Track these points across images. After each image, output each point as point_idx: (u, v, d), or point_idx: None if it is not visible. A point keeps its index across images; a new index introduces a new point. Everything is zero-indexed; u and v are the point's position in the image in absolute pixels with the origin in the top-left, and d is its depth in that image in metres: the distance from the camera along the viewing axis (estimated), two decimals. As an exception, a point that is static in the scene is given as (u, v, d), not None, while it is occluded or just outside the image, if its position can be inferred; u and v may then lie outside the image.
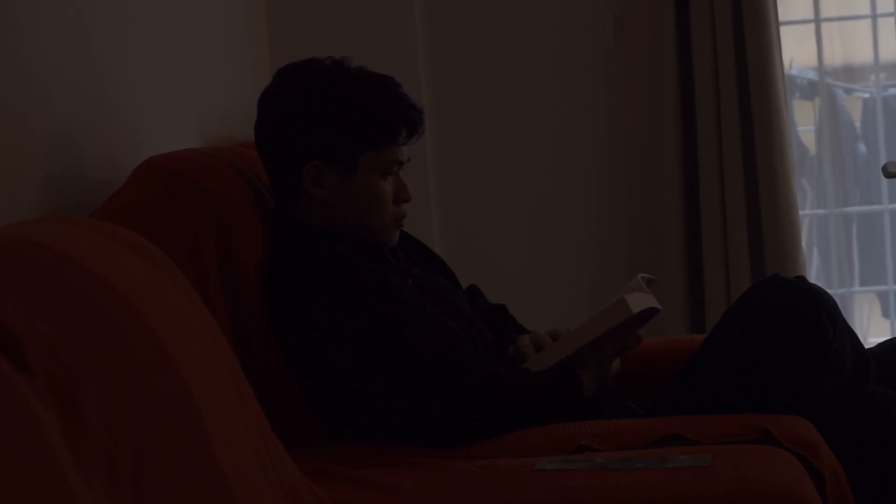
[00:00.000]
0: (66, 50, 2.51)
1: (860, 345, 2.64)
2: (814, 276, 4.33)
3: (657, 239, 4.01)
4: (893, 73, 4.48)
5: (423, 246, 2.90)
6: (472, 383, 2.46)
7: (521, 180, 4.15)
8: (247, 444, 1.87)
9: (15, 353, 1.41)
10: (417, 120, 2.67)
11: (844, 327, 2.59)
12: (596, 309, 2.68)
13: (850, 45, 4.37)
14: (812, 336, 2.52)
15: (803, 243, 4.03)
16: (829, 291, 2.77)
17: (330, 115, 2.62)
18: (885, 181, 4.35)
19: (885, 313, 4.56)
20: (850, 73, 4.47)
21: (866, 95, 4.49)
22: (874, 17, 4.34)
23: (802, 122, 4.41)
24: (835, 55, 4.36)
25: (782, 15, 4.06)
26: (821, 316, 2.53)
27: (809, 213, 4.36)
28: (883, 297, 4.56)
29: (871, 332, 4.53)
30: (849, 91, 4.49)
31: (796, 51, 4.38)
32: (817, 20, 4.28)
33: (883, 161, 4.25)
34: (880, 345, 2.84)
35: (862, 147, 4.47)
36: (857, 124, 4.50)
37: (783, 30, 4.03)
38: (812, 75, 4.40)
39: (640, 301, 2.57)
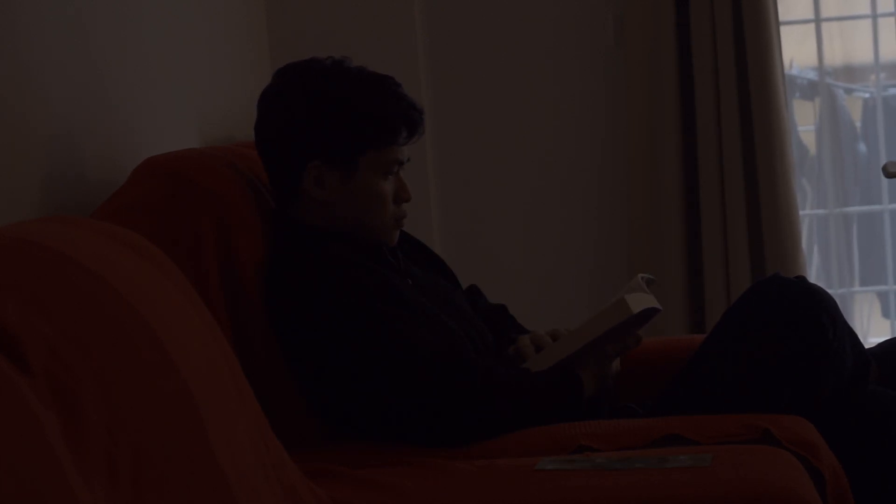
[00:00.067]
0: (66, 50, 2.51)
1: (860, 345, 2.64)
2: (814, 276, 4.33)
3: (657, 239, 4.01)
4: (893, 73, 4.48)
5: (423, 246, 2.90)
6: (472, 383, 2.46)
7: (521, 180, 4.15)
8: (247, 444, 1.87)
9: (15, 353, 1.41)
10: (417, 120, 2.67)
11: (844, 327, 2.59)
12: (596, 309, 2.68)
13: (850, 45, 4.37)
14: (812, 336, 2.52)
15: (803, 243, 4.03)
16: (829, 291, 2.77)
17: (330, 115, 2.62)
18: (885, 181, 4.35)
19: (885, 313, 4.55)
20: (850, 73, 4.47)
21: (866, 95, 4.49)
22: (874, 17, 4.34)
23: (802, 122, 4.41)
24: (835, 55, 4.36)
25: (782, 15, 4.06)
26: (821, 316, 2.53)
27: (809, 213, 4.36)
28: (883, 297, 4.56)
29: (871, 332, 4.53)
30: (849, 91, 4.49)
31: (796, 51, 4.38)
32: (817, 20, 4.28)
33: (883, 161, 4.25)
34: (880, 345, 2.84)
35: (862, 147, 4.47)
36: (858, 124, 4.50)
37: (783, 30, 4.03)
38: (812, 75, 4.40)
39: (640, 301, 2.57)
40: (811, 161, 4.41)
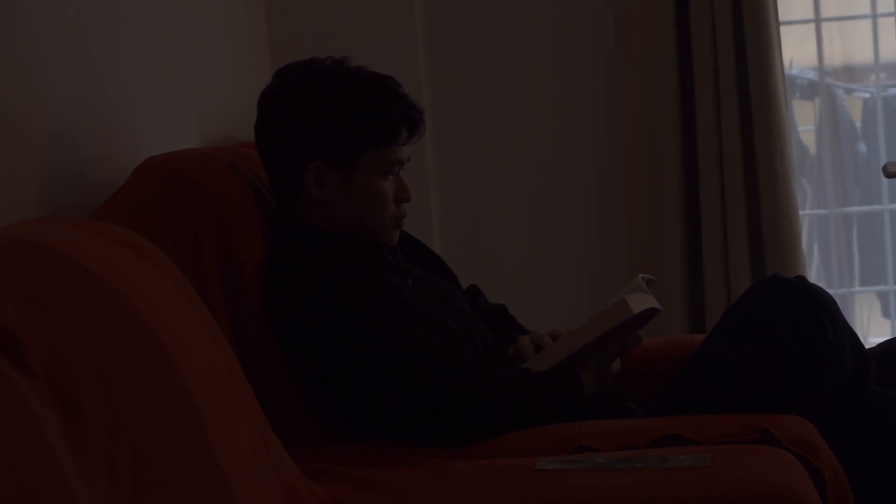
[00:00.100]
0: (66, 50, 2.51)
1: (860, 345, 2.64)
2: (814, 276, 4.33)
3: (657, 239, 4.01)
4: (893, 73, 4.48)
5: (423, 246, 2.90)
6: (472, 383, 2.46)
7: (521, 180, 4.15)
8: (247, 444, 1.87)
9: (15, 353, 1.41)
10: (418, 120, 2.67)
11: (844, 327, 2.59)
12: (596, 309, 2.68)
13: (850, 45, 4.37)
14: (812, 336, 2.52)
15: (803, 243, 4.03)
16: (829, 291, 2.77)
17: (330, 115, 2.62)
18: (885, 181, 4.35)
19: (885, 313, 4.55)
20: (850, 73, 4.47)
21: (866, 95, 4.49)
22: (874, 17, 4.34)
23: (802, 122, 4.41)
24: (835, 55, 4.36)
25: (782, 15, 4.06)
26: (821, 316, 2.53)
27: (809, 213, 4.36)
28: (883, 297, 4.56)
29: (871, 332, 4.53)
30: (849, 91, 4.49)
31: (796, 51, 4.38)
32: (817, 20, 4.28)
33: (883, 161, 4.25)
34: (880, 345, 2.84)
35: (862, 147, 4.47)
36: (858, 124, 4.50)
37: (783, 30, 4.03)
38: (812, 75, 4.40)
39: (640, 301, 2.57)
40: (811, 161, 4.41)
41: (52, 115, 2.46)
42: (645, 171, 4.02)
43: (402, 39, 3.96)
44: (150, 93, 2.91)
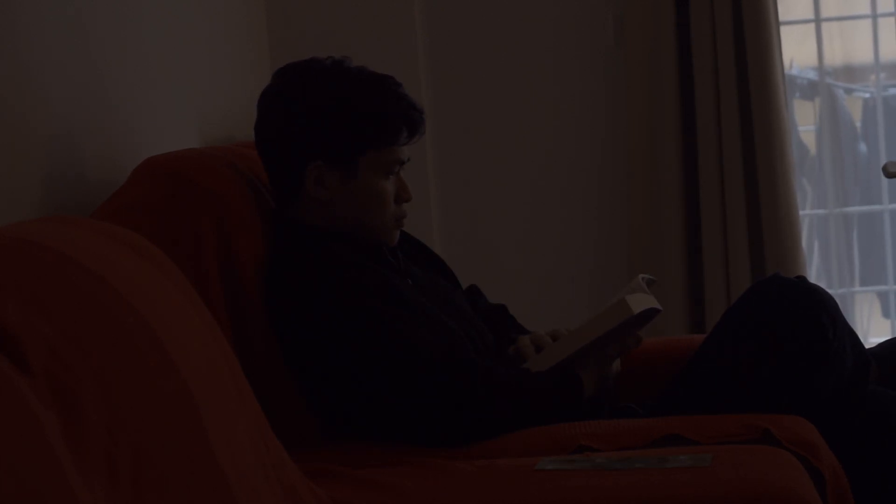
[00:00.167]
0: (66, 50, 2.51)
1: (860, 345, 2.64)
2: (814, 276, 4.33)
3: (657, 239, 4.01)
4: (893, 73, 4.48)
5: (423, 246, 2.90)
6: (473, 383, 2.46)
7: (521, 180, 4.15)
8: (247, 444, 1.87)
9: (15, 353, 1.41)
10: (418, 120, 2.67)
11: (844, 327, 2.59)
12: (596, 309, 2.68)
13: (850, 45, 4.37)
14: (812, 336, 2.52)
15: (803, 243, 4.03)
16: (829, 291, 2.77)
17: (330, 115, 2.62)
18: (885, 181, 4.35)
19: (885, 313, 4.55)
20: (851, 73, 4.47)
21: (866, 95, 4.49)
22: (874, 17, 4.34)
23: (802, 122, 4.41)
24: (835, 55, 4.36)
25: (782, 15, 4.06)
26: (821, 316, 2.53)
27: (809, 213, 4.36)
28: (883, 297, 4.56)
29: (871, 332, 4.53)
30: (849, 91, 4.49)
31: (796, 51, 4.38)
32: (817, 20, 4.28)
33: (883, 161, 4.25)
34: (880, 345, 2.85)
35: (862, 147, 4.47)
36: (858, 124, 4.50)
37: (783, 30, 4.03)
38: (812, 75, 4.40)
39: (640, 301, 2.57)
40: (811, 161, 4.41)
41: (52, 115, 2.46)
42: (645, 171, 4.02)
43: (402, 39, 3.96)
44: (150, 93, 2.91)
